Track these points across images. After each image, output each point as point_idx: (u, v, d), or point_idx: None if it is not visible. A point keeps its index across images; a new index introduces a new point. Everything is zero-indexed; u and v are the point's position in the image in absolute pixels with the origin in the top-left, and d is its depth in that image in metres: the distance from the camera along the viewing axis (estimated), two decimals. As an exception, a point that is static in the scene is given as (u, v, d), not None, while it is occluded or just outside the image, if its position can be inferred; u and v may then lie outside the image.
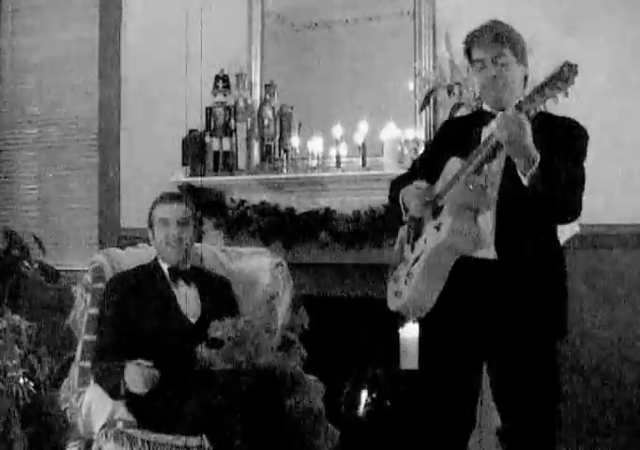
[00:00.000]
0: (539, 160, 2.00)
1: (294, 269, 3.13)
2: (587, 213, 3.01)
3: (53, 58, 4.44)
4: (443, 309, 2.20)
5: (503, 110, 2.18)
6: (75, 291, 2.90)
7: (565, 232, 2.98)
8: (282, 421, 2.44)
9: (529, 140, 1.98)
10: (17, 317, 3.37)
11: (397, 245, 2.46)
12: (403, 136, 3.40)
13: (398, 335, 3.24)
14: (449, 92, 3.31)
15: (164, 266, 2.78)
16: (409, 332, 3.24)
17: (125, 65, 4.21)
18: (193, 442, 2.35)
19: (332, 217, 3.45)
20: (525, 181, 2.02)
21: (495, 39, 2.19)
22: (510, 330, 2.15)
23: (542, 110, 2.14)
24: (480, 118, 2.29)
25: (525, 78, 2.28)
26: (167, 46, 4.04)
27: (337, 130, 3.46)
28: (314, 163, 3.56)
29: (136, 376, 2.43)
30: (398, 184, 2.43)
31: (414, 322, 3.10)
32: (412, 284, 2.21)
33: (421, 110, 3.43)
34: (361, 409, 3.49)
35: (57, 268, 4.04)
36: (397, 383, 3.40)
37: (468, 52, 2.27)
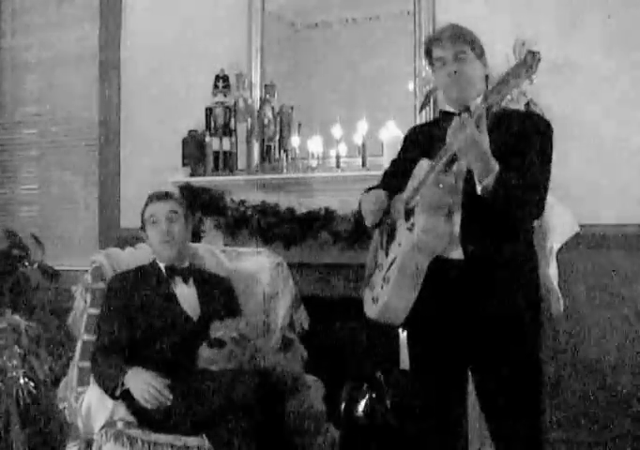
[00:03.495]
0: (496, 171, 1.99)
1: (294, 269, 3.13)
2: (588, 213, 3.05)
3: (54, 58, 4.44)
4: (420, 313, 2.19)
5: (467, 108, 2.18)
6: (75, 291, 2.90)
7: (565, 232, 2.98)
8: (283, 421, 2.44)
9: (485, 147, 1.98)
10: (17, 317, 3.37)
11: (370, 253, 2.45)
12: (403, 136, 3.39)
13: (398, 335, 3.24)
14: (449, 92, 3.31)
15: (161, 265, 2.79)
16: (409, 332, 3.23)
17: (125, 65, 4.21)
18: (193, 441, 2.35)
19: (332, 217, 3.45)
20: (479, 189, 2.02)
21: (455, 37, 2.22)
22: (483, 330, 2.14)
23: (503, 105, 2.15)
24: (443, 119, 2.29)
25: (486, 77, 2.29)
26: (167, 46, 4.04)
27: (337, 130, 3.46)
28: (314, 163, 3.56)
29: (143, 389, 2.43)
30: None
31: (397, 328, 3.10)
32: (388, 288, 2.19)
33: (421, 110, 3.43)
34: (361, 409, 3.49)
35: (57, 268, 4.04)
36: (397, 383, 3.40)
37: (429, 54, 2.30)
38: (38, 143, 4.52)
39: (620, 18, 3.21)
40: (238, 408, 2.33)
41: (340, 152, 3.48)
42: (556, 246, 2.93)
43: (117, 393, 2.48)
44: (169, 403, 2.41)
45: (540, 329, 2.26)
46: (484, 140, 1.98)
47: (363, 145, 3.43)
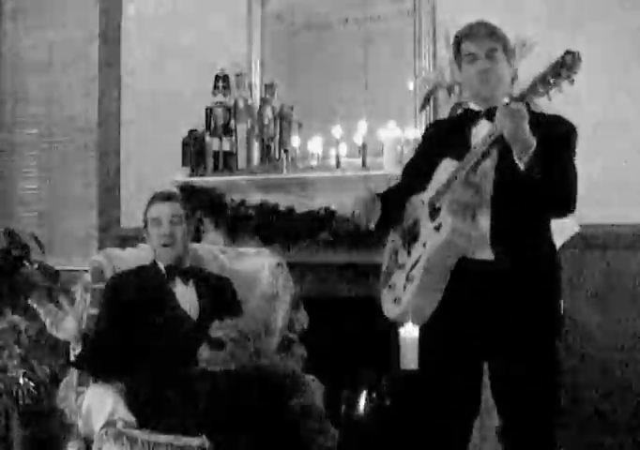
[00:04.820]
0: (534, 145, 2.00)
1: (294, 269, 3.13)
2: (588, 213, 3.05)
3: (54, 58, 4.44)
4: (443, 312, 2.19)
5: (492, 108, 2.18)
6: (75, 291, 2.90)
7: (565, 232, 2.98)
8: (283, 421, 2.44)
9: (527, 128, 1.99)
10: (17, 317, 3.37)
11: (386, 254, 2.43)
12: (403, 136, 3.40)
13: (398, 335, 3.24)
14: (449, 92, 3.31)
15: (161, 265, 2.79)
16: (409, 332, 3.23)
17: (125, 65, 4.21)
18: (193, 442, 2.35)
19: (332, 217, 3.45)
20: (521, 165, 2.01)
21: (489, 34, 2.21)
22: (509, 330, 2.15)
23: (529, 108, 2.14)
24: (469, 118, 2.28)
25: (512, 79, 2.28)
26: (167, 46, 4.04)
27: (337, 130, 3.46)
28: (314, 163, 3.56)
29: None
30: (389, 198, 2.40)
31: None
32: (412, 287, 2.18)
33: (421, 110, 3.43)
34: (361, 409, 3.49)
35: (57, 268, 4.04)
36: (397, 383, 3.40)
37: (458, 46, 2.27)
38: (38, 143, 4.52)
39: (620, 17, 3.21)
40: (239, 408, 2.33)
41: (340, 152, 3.48)
42: (557, 246, 2.94)
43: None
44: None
45: (561, 328, 2.26)
46: (527, 122, 1.99)
47: (363, 145, 3.43)
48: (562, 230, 2.95)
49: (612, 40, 3.20)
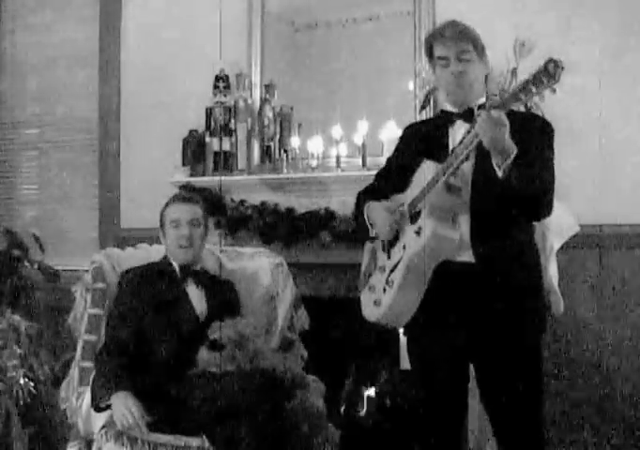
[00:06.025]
0: (515, 153, 2.00)
1: (294, 269, 3.13)
2: (588, 213, 3.05)
3: (53, 58, 4.44)
4: (425, 315, 2.19)
5: (468, 109, 2.19)
6: (75, 291, 2.90)
7: (565, 232, 2.98)
8: (283, 421, 2.44)
9: (508, 136, 1.99)
10: (17, 317, 3.37)
11: (365, 255, 2.43)
12: (400, 135, 3.39)
13: (398, 335, 3.24)
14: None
15: (175, 264, 2.79)
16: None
17: (125, 65, 4.21)
18: (193, 442, 2.35)
19: (332, 217, 3.45)
20: (500, 173, 2.01)
21: (459, 35, 2.19)
22: (492, 331, 2.14)
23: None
24: (444, 119, 2.28)
25: (486, 77, 2.27)
26: (167, 46, 4.04)
27: (337, 130, 3.46)
28: (314, 163, 3.56)
29: (123, 414, 2.39)
30: (363, 199, 2.41)
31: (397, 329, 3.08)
32: (393, 291, 2.18)
33: (421, 110, 3.43)
34: (361, 408, 3.49)
35: (57, 268, 4.04)
36: (397, 383, 3.41)
37: (430, 50, 2.26)
38: (37, 143, 4.52)
39: (619, 17, 3.21)
40: (239, 408, 2.33)
41: (340, 152, 3.48)
42: (556, 246, 2.94)
43: (102, 405, 2.48)
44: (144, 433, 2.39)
45: (544, 326, 2.26)
46: (508, 130, 1.99)
47: (363, 145, 3.43)
48: (562, 230, 2.95)
49: (610, 41, 3.20)
